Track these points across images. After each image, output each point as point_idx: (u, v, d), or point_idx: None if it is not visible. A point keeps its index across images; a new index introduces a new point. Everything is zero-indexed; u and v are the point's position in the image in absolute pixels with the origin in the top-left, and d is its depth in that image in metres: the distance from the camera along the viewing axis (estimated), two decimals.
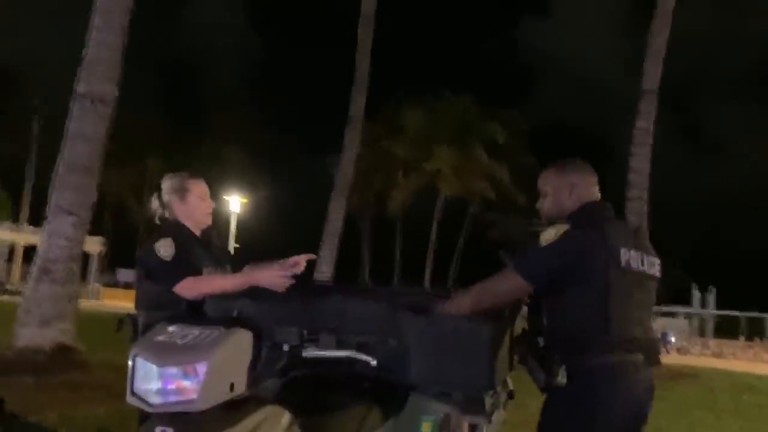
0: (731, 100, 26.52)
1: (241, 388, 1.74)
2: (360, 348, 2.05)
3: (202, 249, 2.79)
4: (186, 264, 2.62)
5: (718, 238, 27.65)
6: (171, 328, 1.81)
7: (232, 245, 32.31)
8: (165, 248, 2.64)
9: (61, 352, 7.15)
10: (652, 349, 2.30)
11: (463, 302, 2.21)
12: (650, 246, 2.39)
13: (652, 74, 12.29)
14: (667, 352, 18.23)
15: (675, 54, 12.90)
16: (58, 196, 7.55)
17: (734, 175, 26.63)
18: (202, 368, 1.64)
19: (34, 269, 7.54)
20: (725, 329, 24.76)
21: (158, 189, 2.89)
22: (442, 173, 30.21)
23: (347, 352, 2.04)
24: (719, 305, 25.41)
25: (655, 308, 2.47)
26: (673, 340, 19.48)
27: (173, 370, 1.64)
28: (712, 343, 20.16)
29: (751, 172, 27.03)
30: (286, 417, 1.81)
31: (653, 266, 2.35)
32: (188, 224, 2.83)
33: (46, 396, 6.03)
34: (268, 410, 1.78)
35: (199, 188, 2.86)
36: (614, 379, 2.16)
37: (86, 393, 6.32)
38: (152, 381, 1.65)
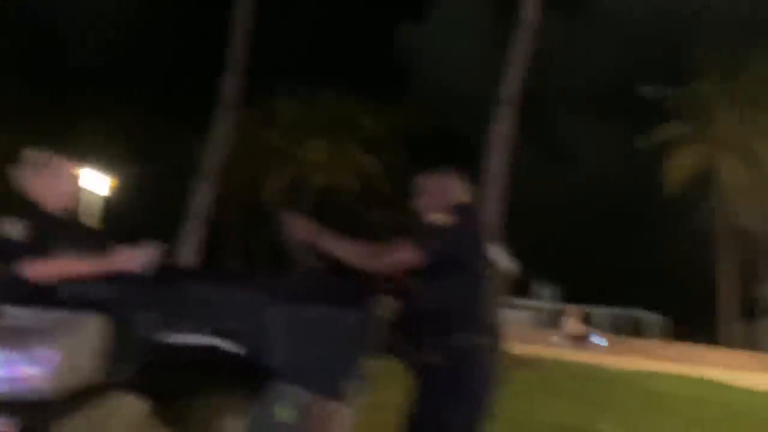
0: (580, 113, 28.79)
1: (94, 375, 1.71)
2: (223, 335, 1.99)
3: (61, 230, 2.60)
4: (38, 245, 2.41)
5: (563, 237, 29.96)
6: (15, 312, 1.75)
7: (97, 228, 30.47)
8: (14, 227, 2.44)
9: None
10: (500, 333, 2.58)
11: (370, 263, 2.38)
12: (503, 242, 2.82)
13: (513, 82, 13.13)
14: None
15: (535, 66, 13.74)
16: None
17: (580, 180, 28.98)
18: (52, 354, 1.60)
19: None
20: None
21: (20, 163, 2.69)
22: (316, 164, 30.25)
23: (210, 338, 1.97)
24: (560, 299, 27.36)
25: (502, 300, 2.83)
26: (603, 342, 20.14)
27: (19, 356, 1.59)
28: (550, 333, 21.75)
29: (594, 178, 29.55)
30: (141, 405, 1.79)
31: (506, 260, 2.79)
32: (49, 204, 2.64)
33: None
34: (123, 398, 1.76)
35: (64, 168, 2.71)
36: (481, 358, 2.42)
37: None
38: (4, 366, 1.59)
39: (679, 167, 23.85)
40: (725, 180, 23.97)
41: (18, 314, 1.73)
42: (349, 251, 2.38)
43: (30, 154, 2.68)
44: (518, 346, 16.38)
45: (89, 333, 1.72)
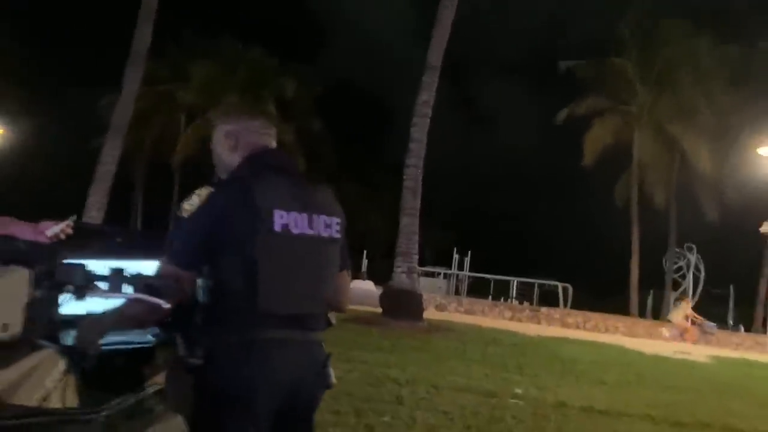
0: (503, 80, 29.17)
1: (15, 329, 1.62)
2: (148, 290, 1.86)
3: None
4: None
5: (480, 205, 30.63)
6: None
7: None
8: None
9: None
10: (318, 321, 2.09)
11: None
12: (331, 204, 2.15)
13: (437, 50, 13.12)
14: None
15: (458, 30, 13.72)
16: None
17: (500, 149, 29.61)
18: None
19: None
20: (477, 290, 27.62)
21: None
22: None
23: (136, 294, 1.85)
24: (473, 268, 28.09)
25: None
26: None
27: None
28: (466, 301, 22.29)
29: (514, 147, 30.25)
30: (62, 361, 1.72)
31: (329, 227, 2.09)
32: None
33: None
34: (44, 353, 1.69)
35: None
36: (261, 357, 1.92)
37: None
38: None
39: (596, 140, 24.84)
40: (639, 155, 25.13)
41: None
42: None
43: None
44: (432, 313, 16.78)
45: (13, 285, 1.65)
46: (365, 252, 27.06)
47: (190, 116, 30.46)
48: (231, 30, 30.74)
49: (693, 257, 25.06)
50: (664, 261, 26.32)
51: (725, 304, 24.73)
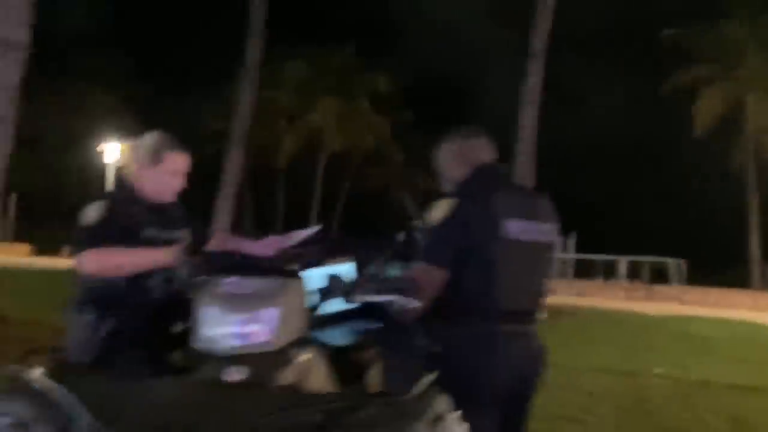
0: (589, 57, 28.07)
1: (302, 331, 1.93)
2: (399, 292, 2.11)
3: (150, 214, 2.46)
4: (110, 229, 2.28)
5: (579, 185, 29.82)
6: (230, 280, 1.93)
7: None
8: (92, 212, 2.33)
9: None
10: (536, 316, 2.31)
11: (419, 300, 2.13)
12: (547, 209, 2.38)
13: (542, 33, 12.99)
14: None
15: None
16: None
17: (590, 126, 28.61)
18: (273, 313, 1.81)
19: None
20: (583, 271, 27.01)
21: (132, 147, 2.59)
22: (327, 126, 29.96)
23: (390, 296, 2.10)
24: (578, 249, 27.49)
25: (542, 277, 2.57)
26: None
27: (248, 316, 1.79)
28: (576, 283, 21.90)
29: (604, 123, 29.19)
30: (325, 356, 2.00)
31: (546, 233, 2.34)
32: (147, 194, 2.49)
33: None
34: (314, 349, 1.97)
35: (175, 161, 2.52)
36: (495, 349, 2.17)
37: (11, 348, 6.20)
38: (224, 327, 1.80)
39: (707, 109, 23.73)
40: (753, 120, 23.85)
41: (233, 281, 1.93)
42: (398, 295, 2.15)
43: (147, 141, 2.54)
44: (552, 297, 16.61)
45: (300, 294, 1.94)
46: None
47: (288, 121, 31.37)
48: (317, 31, 31.47)
49: None
50: None
51: None
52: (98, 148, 31.41)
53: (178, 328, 2.26)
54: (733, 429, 5.41)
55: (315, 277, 2.14)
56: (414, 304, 2.13)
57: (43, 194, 32.57)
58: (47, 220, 33.53)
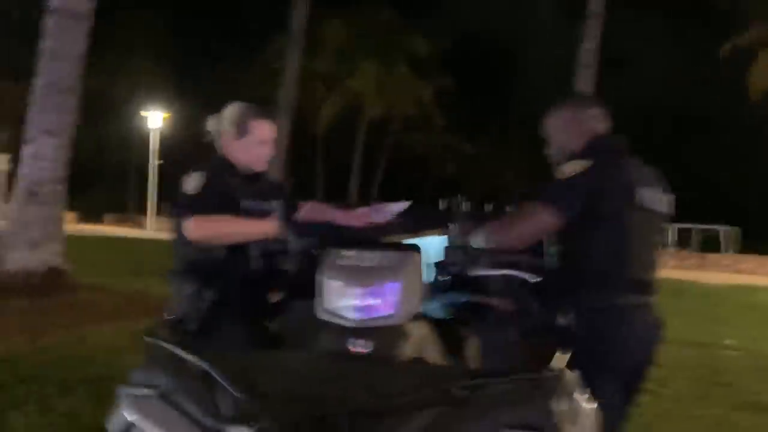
0: (644, 18, 26.89)
1: (421, 305, 1.90)
2: (514, 266, 2.11)
3: (245, 184, 2.48)
4: (213, 198, 2.30)
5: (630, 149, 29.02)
6: (350, 252, 1.90)
7: (155, 163, 31.01)
8: (192, 181, 2.36)
9: (53, 274, 6.98)
10: (654, 286, 2.27)
11: (505, 236, 2.16)
12: (664, 182, 2.34)
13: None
14: None
15: None
16: (40, 119, 7.16)
17: (644, 89, 27.71)
18: (396, 286, 1.78)
19: (19, 192, 7.19)
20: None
21: (218, 118, 2.56)
22: (366, 91, 29.55)
23: (506, 270, 2.11)
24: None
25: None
26: None
27: (371, 289, 1.77)
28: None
29: (658, 86, 28.28)
30: (433, 328, 1.96)
31: (667, 204, 2.31)
32: (239, 163, 2.51)
33: (46, 318, 5.99)
34: (427, 323, 1.95)
35: (262, 130, 2.52)
36: (626, 320, 2.15)
37: (85, 314, 6.33)
38: (348, 299, 1.77)
39: (763, 73, 22.77)
40: None
41: (353, 254, 1.90)
42: (482, 236, 2.17)
43: (234, 110, 2.53)
44: None
45: (417, 268, 1.90)
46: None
47: (327, 86, 31.03)
48: None
49: None
50: None
51: None
52: (142, 113, 31.73)
53: (275, 298, 2.32)
54: None
55: (427, 248, 2.08)
56: (534, 279, 2.08)
57: (84, 161, 33.22)
58: (89, 187, 34.17)
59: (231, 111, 2.53)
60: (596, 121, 2.37)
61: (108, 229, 32.12)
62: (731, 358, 6.67)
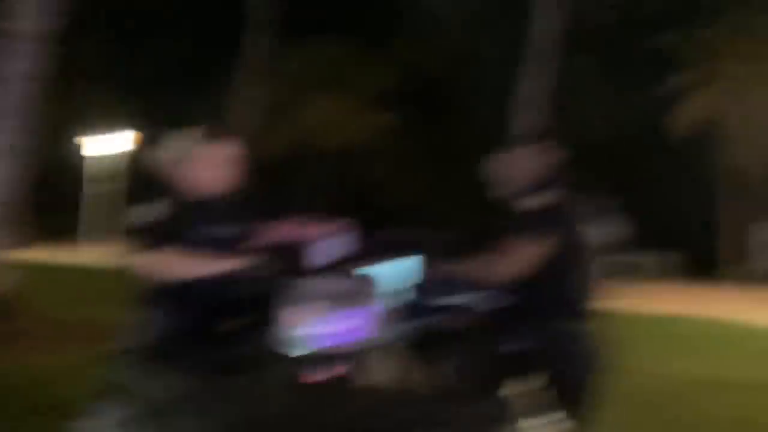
0: (576, 58, 27.52)
1: (388, 329, 2.01)
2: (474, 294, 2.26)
3: (204, 211, 2.40)
4: (170, 230, 2.25)
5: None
6: (311, 280, 1.97)
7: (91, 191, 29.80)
8: (147, 211, 2.31)
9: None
10: (591, 316, 2.50)
11: (506, 271, 2.29)
12: (603, 214, 2.60)
13: (542, 36, 13.03)
14: None
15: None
16: None
17: (583, 125, 28.41)
18: (355, 313, 1.87)
19: None
20: None
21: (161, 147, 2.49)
22: (321, 123, 29.36)
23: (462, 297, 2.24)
24: None
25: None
26: None
27: (346, 314, 1.85)
28: None
29: (597, 123, 29.20)
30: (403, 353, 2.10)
31: (606, 235, 2.59)
32: (192, 189, 2.42)
33: None
34: (396, 347, 2.08)
35: (217, 153, 2.44)
36: (572, 346, 2.39)
37: (32, 343, 6.19)
38: (309, 327, 1.83)
39: (687, 114, 24.15)
40: (728, 126, 24.22)
41: (314, 283, 1.96)
42: (482, 270, 2.31)
43: (182, 137, 2.45)
44: None
45: (377, 295, 2.00)
46: None
47: (281, 116, 30.54)
48: (312, 24, 30.42)
49: None
50: (749, 234, 25.37)
51: None
52: (77, 141, 30.73)
53: (237, 325, 2.27)
54: (737, 427, 5.53)
55: (392, 273, 2.18)
56: (501, 303, 2.26)
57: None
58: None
59: (180, 137, 2.46)
60: (544, 157, 2.56)
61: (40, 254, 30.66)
62: (658, 384, 6.87)
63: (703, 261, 26.04)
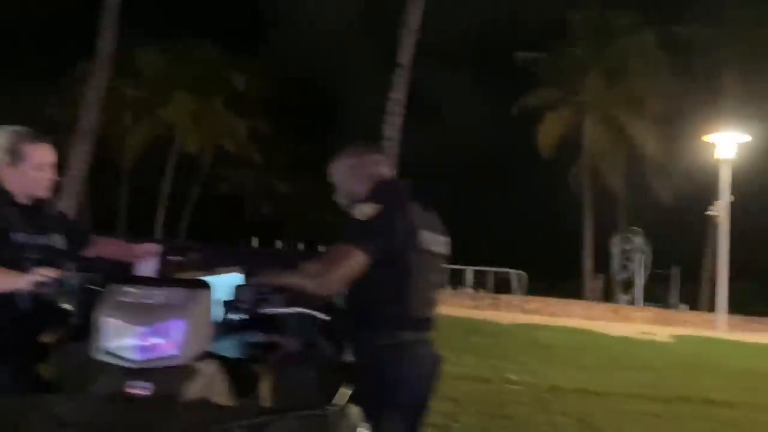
0: (448, 70, 28.89)
1: (208, 344, 1.85)
2: (310, 305, 2.12)
3: (23, 215, 2.32)
4: None
5: (431, 198, 30.73)
6: (132, 289, 1.81)
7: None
8: None
9: None
10: (433, 323, 2.42)
11: (324, 284, 2.15)
12: (442, 225, 2.49)
13: (407, 48, 13.36)
14: None
15: None
16: None
17: (450, 141, 29.61)
18: (181, 324, 1.72)
19: None
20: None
21: None
22: (179, 122, 28.35)
23: (298, 309, 2.11)
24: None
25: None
26: None
27: (153, 328, 1.69)
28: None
29: (463, 139, 30.43)
30: (220, 367, 1.93)
31: (444, 245, 2.47)
32: (15, 191, 2.33)
33: None
34: (216, 362, 1.91)
35: (38, 154, 2.35)
36: (407, 356, 2.25)
37: None
38: (128, 339, 1.69)
39: (550, 131, 25.56)
40: (590, 143, 25.98)
41: (136, 290, 1.81)
42: (298, 279, 2.16)
43: (3, 137, 2.33)
44: None
45: (205, 306, 1.84)
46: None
47: (136, 114, 29.29)
48: (181, 24, 29.60)
49: (639, 240, 26.00)
50: (611, 245, 27.34)
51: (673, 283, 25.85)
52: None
53: (47, 338, 2.21)
54: (582, 430, 5.86)
55: (217, 287, 2.01)
56: (324, 318, 2.11)
57: None
58: None
59: (2, 136, 2.34)
60: (380, 166, 2.48)
61: None
62: (513, 391, 7.17)
63: (567, 273, 27.73)
